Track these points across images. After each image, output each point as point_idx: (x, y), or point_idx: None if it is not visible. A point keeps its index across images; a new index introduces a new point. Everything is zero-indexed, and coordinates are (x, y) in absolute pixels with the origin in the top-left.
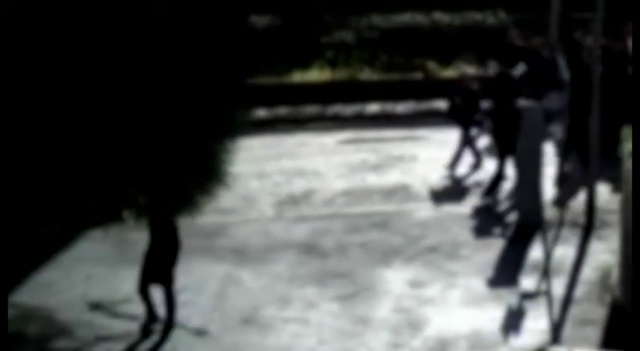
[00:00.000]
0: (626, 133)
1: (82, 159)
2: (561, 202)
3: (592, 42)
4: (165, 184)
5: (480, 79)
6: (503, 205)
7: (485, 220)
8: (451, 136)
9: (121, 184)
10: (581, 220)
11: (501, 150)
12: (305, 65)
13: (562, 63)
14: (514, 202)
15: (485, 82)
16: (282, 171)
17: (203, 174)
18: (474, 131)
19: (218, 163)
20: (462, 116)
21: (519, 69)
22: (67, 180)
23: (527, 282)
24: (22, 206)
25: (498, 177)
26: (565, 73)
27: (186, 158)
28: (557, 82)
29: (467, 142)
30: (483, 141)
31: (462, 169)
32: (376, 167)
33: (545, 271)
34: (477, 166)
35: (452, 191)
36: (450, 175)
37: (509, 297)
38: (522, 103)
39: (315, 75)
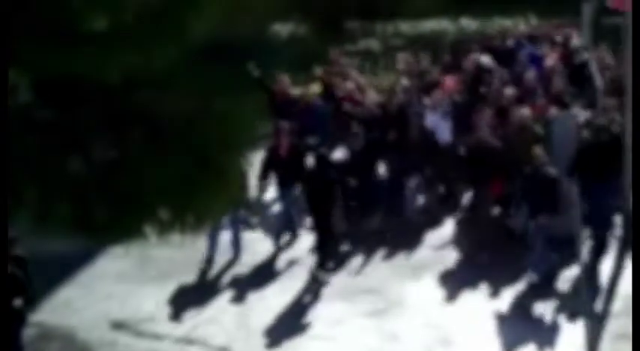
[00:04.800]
0: None
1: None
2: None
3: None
4: None
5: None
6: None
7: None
8: None
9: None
10: (618, 232)
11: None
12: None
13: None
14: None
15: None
16: None
17: (224, 187)
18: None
19: (240, 175)
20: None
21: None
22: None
23: (563, 296)
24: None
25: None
26: (599, 82)
27: (206, 171)
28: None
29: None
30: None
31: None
32: None
33: (582, 284)
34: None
35: None
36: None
37: (544, 311)
38: (553, 112)
39: None
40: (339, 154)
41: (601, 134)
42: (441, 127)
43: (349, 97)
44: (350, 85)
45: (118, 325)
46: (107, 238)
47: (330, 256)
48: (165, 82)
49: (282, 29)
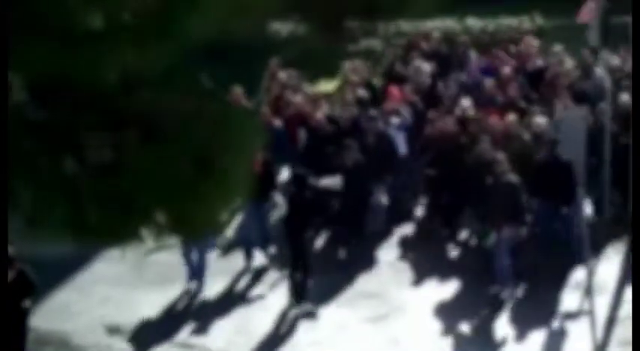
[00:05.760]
0: None
1: None
2: None
3: None
4: None
5: None
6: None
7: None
8: None
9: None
10: (624, 236)
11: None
12: (331, 74)
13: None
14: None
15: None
16: None
17: (224, 190)
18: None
19: (238, 177)
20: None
21: None
22: None
23: (570, 301)
24: None
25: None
26: (606, 81)
27: (205, 174)
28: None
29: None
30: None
31: None
32: None
33: (588, 290)
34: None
35: None
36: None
37: (551, 317)
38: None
39: None
40: (330, 180)
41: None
42: (396, 138)
43: (298, 112)
44: (298, 99)
45: (114, 330)
46: (103, 241)
47: (301, 286)
48: (163, 82)
49: (282, 28)
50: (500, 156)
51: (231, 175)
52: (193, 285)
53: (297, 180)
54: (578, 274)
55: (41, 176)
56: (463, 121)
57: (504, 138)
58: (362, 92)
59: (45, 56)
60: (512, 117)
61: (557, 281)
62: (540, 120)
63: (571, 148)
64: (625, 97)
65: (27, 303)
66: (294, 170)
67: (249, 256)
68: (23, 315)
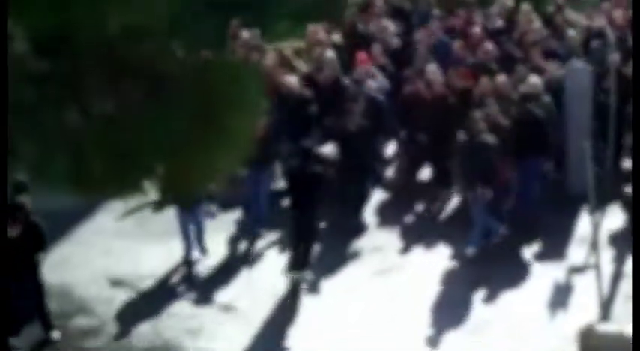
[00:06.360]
0: None
1: None
2: None
3: None
4: None
5: None
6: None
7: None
8: None
9: None
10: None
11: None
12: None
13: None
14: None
15: None
16: None
17: (229, 145)
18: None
19: (240, 136)
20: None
21: None
22: None
23: (576, 256)
24: None
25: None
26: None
27: (210, 128)
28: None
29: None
30: None
31: None
32: None
33: (594, 245)
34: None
35: None
36: None
37: (556, 272)
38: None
39: None
40: (327, 149)
41: (514, 108)
42: None
43: (268, 76)
44: (269, 62)
45: (116, 282)
46: (105, 193)
47: (303, 255)
48: (167, 34)
49: None
50: (477, 115)
51: (233, 134)
52: (192, 254)
53: (303, 153)
54: (584, 229)
55: (43, 128)
56: (450, 83)
57: (495, 99)
58: (330, 53)
59: (46, 6)
60: (502, 77)
61: (563, 236)
62: (535, 79)
63: (576, 103)
64: (615, 57)
65: (40, 256)
66: (301, 143)
67: (251, 218)
68: (36, 267)
